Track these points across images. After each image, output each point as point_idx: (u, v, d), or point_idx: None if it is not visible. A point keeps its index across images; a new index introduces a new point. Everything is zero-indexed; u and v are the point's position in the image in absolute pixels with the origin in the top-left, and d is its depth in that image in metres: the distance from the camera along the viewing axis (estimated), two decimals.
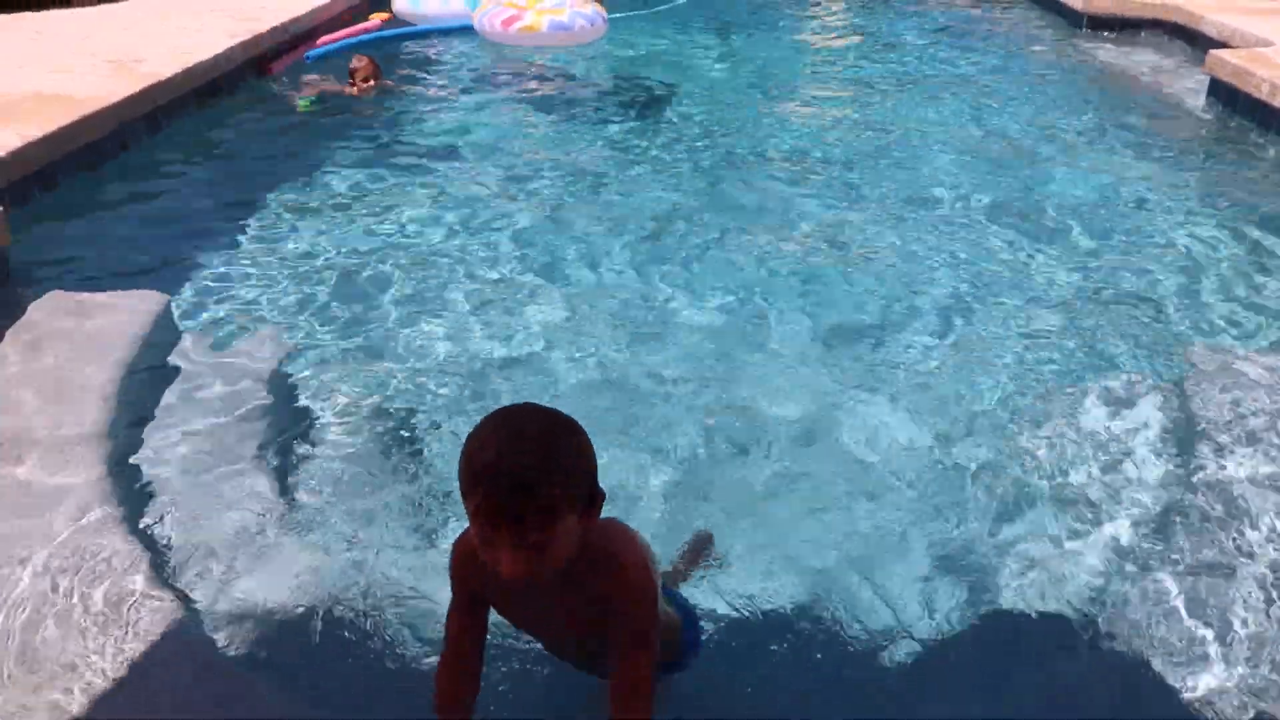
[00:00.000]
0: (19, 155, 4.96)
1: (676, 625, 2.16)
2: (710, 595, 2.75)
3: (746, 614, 2.73)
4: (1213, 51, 7.34)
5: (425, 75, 8.33)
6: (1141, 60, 8.81)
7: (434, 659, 2.50)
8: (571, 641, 2.02)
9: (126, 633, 2.37)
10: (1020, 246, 5.07)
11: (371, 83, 7.52)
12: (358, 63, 7.55)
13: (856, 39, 10.31)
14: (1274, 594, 2.67)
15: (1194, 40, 8.61)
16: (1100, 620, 2.67)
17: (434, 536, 2.98)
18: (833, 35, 10.62)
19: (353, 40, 8.79)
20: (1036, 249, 5.04)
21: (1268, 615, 2.61)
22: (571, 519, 1.59)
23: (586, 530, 1.66)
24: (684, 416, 3.65)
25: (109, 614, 2.41)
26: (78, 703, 2.19)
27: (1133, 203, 5.64)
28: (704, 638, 2.46)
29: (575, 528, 1.62)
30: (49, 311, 3.79)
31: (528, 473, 1.52)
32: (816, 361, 4.04)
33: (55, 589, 2.48)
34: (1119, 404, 3.65)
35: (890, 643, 2.65)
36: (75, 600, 2.45)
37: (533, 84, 8.28)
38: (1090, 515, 3.08)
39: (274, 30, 7.91)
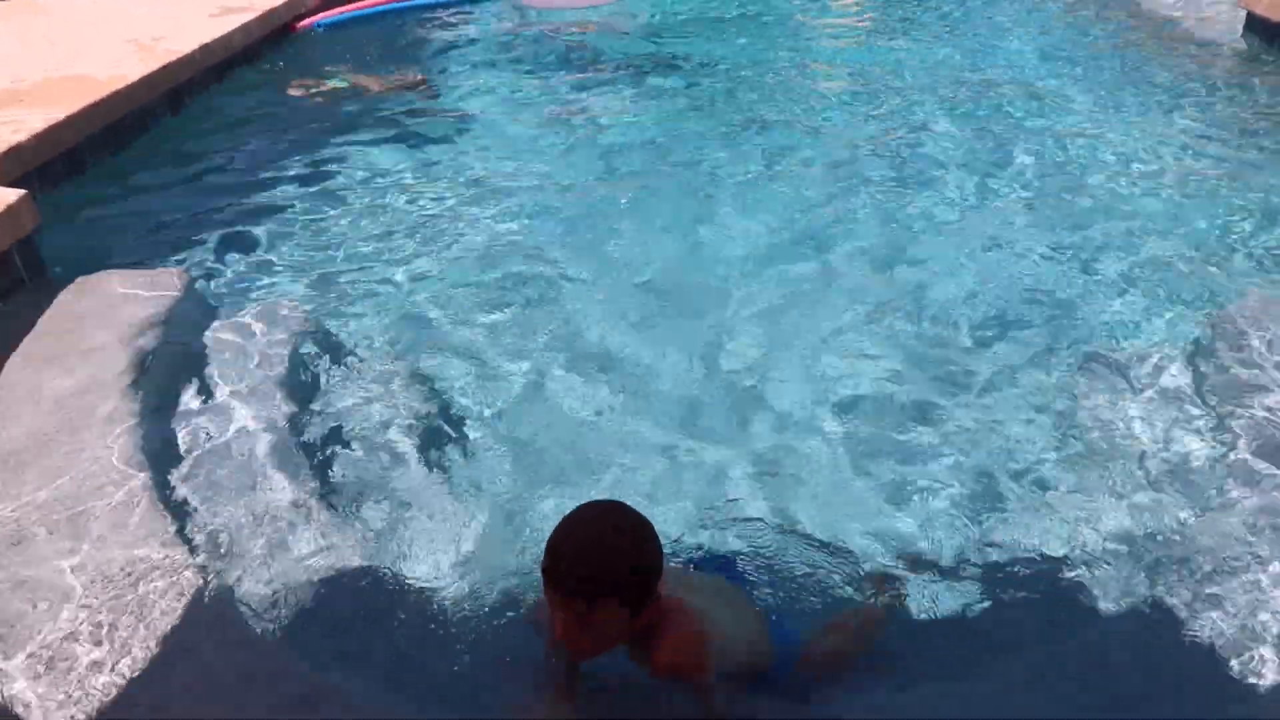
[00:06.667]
0: (45, 138, 5.01)
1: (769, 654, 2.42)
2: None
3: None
4: None
5: (449, 49, 8.22)
6: None
7: (454, 630, 2.57)
8: None
9: (151, 605, 2.44)
10: (1051, 193, 4.99)
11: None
12: None
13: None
14: None
15: None
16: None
17: (458, 513, 3.02)
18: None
19: (366, 11, 8.71)
20: (1068, 194, 4.96)
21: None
22: (613, 604, 1.93)
23: (638, 616, 1.98)
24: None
25: (135, 587, 2.48)
26: (100, 673, 2.26)
27: (1167, 144, 5.50)
28: None
29: (618, 614, 1.95)
30: (80, 293, 3.84)
31: (576, 552, 1.91)
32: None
33: (82, 563, 2.55)
34: (1161, 358, 3.59)
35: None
36: (100, 574, 2.52)
37: (555, 54, 8.11)
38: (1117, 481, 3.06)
39: (290, 4, 7.89)
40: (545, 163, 5.71)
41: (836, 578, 2.78)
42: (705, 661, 2.11)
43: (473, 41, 8.35)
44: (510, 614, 2.61)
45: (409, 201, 5.21)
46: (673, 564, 2.53)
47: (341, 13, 8.45)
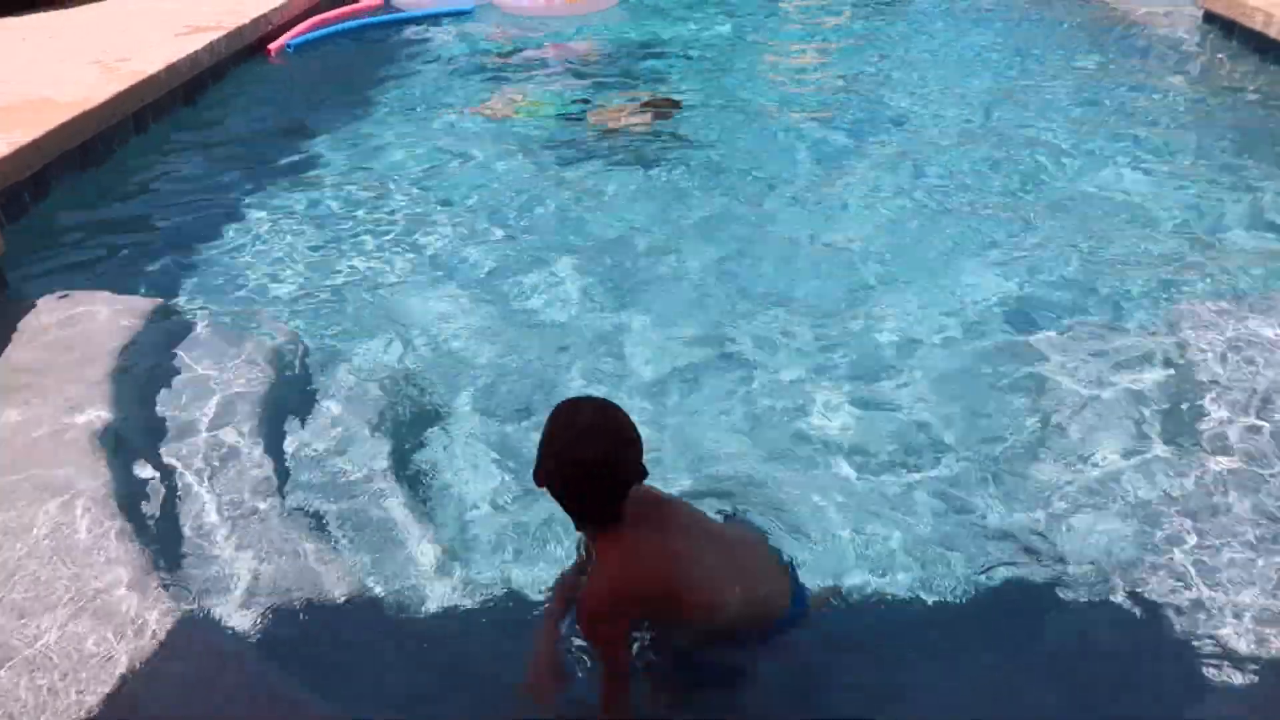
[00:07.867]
0: (10, 162, 4.97)
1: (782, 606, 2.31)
2: None
3: None
4: None
5: (431, 62, 8.18)
6: None
7: (436, 641, 2.57)
8: None
9: (136, 629, 2.42)
10: (1004, 191, 5.06)
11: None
12: None
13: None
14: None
15: None
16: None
17: (436, 521, 3.03)
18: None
19: (340, 27, 8.69)
20: (1022, 192, 5.02)
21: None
22: (555, 493, 1.96)
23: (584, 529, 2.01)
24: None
25: (115, 611, 2.46)
26: (88, 693, 2.25)
27: (1126, 141, 5.57)
28: None
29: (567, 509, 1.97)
30: (46, 316, 3.81)
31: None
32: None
33: (62, 584, 2.53)
34: (1123, 352, 3.63)
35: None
36: (82, 595, 2.49)
37: (528, 64, 8.12)
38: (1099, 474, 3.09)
39: (257, 21, 7.87)
40: (536, 170, 5.73)
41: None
42: (604, 616, 1.88)
43: (453, 55, 8.30)
44: (503, 629, 2.61)
45: (386, 215, 5.19)
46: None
47: (314, 30, 8.41)
